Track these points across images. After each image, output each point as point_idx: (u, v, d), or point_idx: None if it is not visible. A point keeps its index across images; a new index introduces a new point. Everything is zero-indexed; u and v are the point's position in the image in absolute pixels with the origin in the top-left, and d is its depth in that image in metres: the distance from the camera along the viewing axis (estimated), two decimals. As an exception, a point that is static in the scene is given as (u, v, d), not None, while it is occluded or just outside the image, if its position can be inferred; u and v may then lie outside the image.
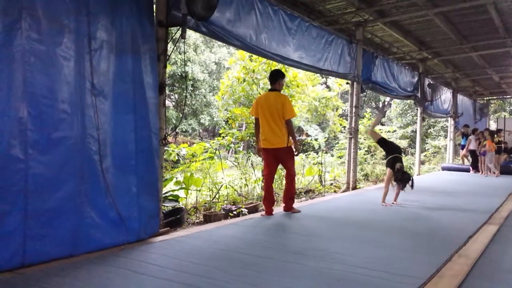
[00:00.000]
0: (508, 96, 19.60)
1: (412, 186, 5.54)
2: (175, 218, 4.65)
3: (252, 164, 8.00)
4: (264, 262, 3.02)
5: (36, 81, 2.94)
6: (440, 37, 9.22)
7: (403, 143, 17.32)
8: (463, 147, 12.88)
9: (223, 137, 7.96)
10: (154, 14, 4.00)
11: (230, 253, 3.28)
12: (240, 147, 8.81)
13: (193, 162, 6.80)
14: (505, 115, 20.80)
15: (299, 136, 16.60)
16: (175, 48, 4.47)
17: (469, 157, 12.42)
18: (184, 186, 5.85)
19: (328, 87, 15.72)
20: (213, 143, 7.61)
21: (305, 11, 7.01)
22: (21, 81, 2.86)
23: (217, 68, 21.62)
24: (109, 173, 3.41)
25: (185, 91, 19.42)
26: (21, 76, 2.86)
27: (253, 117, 5.10)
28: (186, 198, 5.94)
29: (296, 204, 5.23)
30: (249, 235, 3.94)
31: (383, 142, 6.15)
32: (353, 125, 7.96)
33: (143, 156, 3.74)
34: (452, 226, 4.42)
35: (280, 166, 5.27)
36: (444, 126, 18.99)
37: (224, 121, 16.98)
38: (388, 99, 24.44)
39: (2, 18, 2.76)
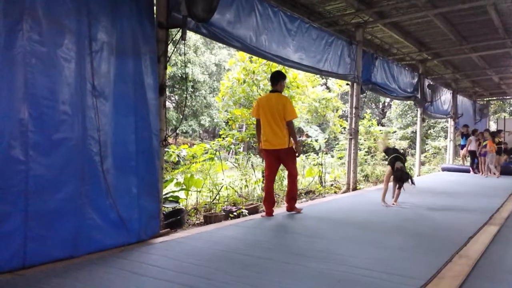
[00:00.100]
0: (508, 97, 19.62)
1: (412, 182, 5.60)
2: (176, 219, 4.65)
3: (252, 165, 8.00)
4: (264, 263, 3.02)
5: (37, 83, 2.94)
6: (440, 38, 9.23)
7: (403, 144, 17.32)
8: (462, 147, 12.89)
9: (223, 138, 7.97)
10: (155, 15, 4.01)
11: (231, 254, 3.28)
12: (240, 148, 8.81)
13: (193, 163, 6.80)
14: (505, 116, 20.81)
15: (300, 137, 16.60)
16: (175, 49, 4.48)
17: (467, 158, 12.43)
18: (184, 187, 5.86)
19: (328, 88, 15.73)
20: (214, 144, 7.62)
21: (305, 13, 7.02)
22: (22, 82, 2.87)
23: (217, 69, 21.65)
24: (109, 174, 3.41)
25: (185, 93, 19.44)
26: (22, 77, 2.87)
27: (254, 118, 5.11)
28: (186, 199, 5.94)
29: (297, 205, 5.24)
30: (249, 236, 3.94)
31: (387, 149, 6.34)
32: (353, 126, 7.97)
33: (144, 157, 3.74)
34: (453, 226, 4.42)
35: (281, 167, 5.28)
36: (444, 127, 19.00)
37: (224, 122, 16.98)
38: (388, 100, 24.47)
39: (3, 19, 2.76)
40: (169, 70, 15.23)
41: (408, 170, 6.14)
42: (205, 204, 5.95)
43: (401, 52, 10.27)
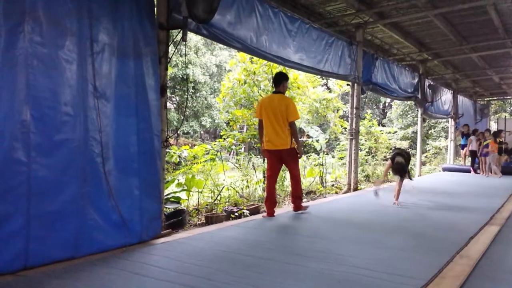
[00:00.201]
0: (508, 97, 19.60)
1: (410, 178, 5.76)
2: (177, 220, 4.66)
3: (253, 166, 8.00)
4: (265, 264, 3.02)
5: (38, 84, 2.95)
6: (440, 38, 9.24)
7: (404, 144, 17.31)
8: (463, 146, 12.89)
9: (224, 139, 7.98)
10: (155, 16, 4.02)
11: (232, 254, 3.28)
12: (241, 148, 8.81)
13: (194, 164, 6.81)
14: (505, 116, 20.79)
15: (300, 137, 16.58)
16: (176, 50, 4.49)
17: (468, 158, 12.42)
18: (185, 188, 5.87)
19: (328, 88, 15.73)
20: (215, 144, 7.63)
21: (305, 13, 7.03)
22: (24, 84, 2.88)
23: (218, 70, 21.67)
24: (111, 176, 3.42)
25: (186, 93, 19.46)
26: (24, 79, 2.88)
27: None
28: (187, 200, 5.95)
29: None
30: (250, 236, 3.95)
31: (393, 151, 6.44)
32: (353, 126, 7.97)
33: (145, 158, 3.75)
34: (454, 226, 4.42)
35: (283, 168, 5.29)
36: (445, 127, 18.99)
37: (225, 123, 16.98)
38: (388, 100, 24.46)
39: (5, 21, 2.77)
40: (170, 71, 15.25)
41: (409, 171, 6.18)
42: (207, 205, 5.96)
43: (401, 53, 10.27)
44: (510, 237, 4.18)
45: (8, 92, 2.80)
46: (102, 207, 3.35)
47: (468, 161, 12.68)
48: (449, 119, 14.47)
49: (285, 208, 5.90)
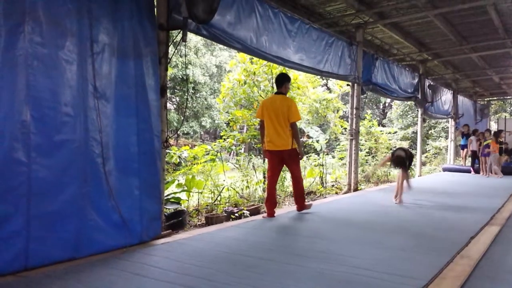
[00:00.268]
0: (508, 97, 19.60)
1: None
2: (177, 221, 4.66)
3: (253, 166, 8.00)
4: (266, 264, 3.02)
5: (38, 84, 2.95)
6: (440, 38, 9.24)
7: (404, 145, 17.30)
8: (463, 147, 12.87)
9: (224, 139, 7.98)
10: (155, 17, 4.02)
11: (232, 255, 3.28)
12: (241, 149, 8.81)
13: (194, 164, 6.81)
14: (505, 116, 20.78)
15: (300, 137, 16.57)
16: (176, 51, 4.49)
17: (468, 158, 12.40)
18: (186, 188, 5.87)
19: (328, 89, 15.73)
20: (215, 145, 7.63)
21: (305, 14, 7.03)
22: (24, 84, 2.88)
23: (218, 71, 21.67)
24: (112, 176, 3.42)
25: (186, 94, 19.46)
26: (24, 79, 2.88)
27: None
28: (188, 200, 5.95)
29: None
30: (251, 237, 3.95)
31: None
32: (353, 126, 7.97)
33: (146, 158, 3.75)
34: (454, 227, 4.42)
35: (283, 168, 5.30)
36: (445, 127, 18.98)
37: (225, 123, 16.98)
38: (388, 100, 24.46)
39: (5, 21, 2.77)
40: (170, 72, 15.26)
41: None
42: (207, 205, 5.96)
43: (401, 53, 10.27)
44: (511, 237, 4.17)
45: (8, 92, 2.80)
46: (102, 207, 3.35)
47: (468, 161, 12.68)
48: (449, 119, 14.47)
49: (285, 209, 5.90)
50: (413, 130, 19.91)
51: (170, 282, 2.63)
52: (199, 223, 5.31)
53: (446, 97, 13.35)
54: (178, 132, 18.58)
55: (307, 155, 11.51)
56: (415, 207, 5.77)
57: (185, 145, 11.61)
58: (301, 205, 5.16)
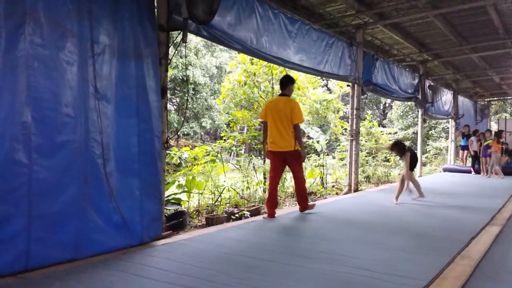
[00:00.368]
0: (509, 97, 19.59)
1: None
2: (178, 221, 4.66)
3: (254, 167, 8.00)
4: (267, 265, 3.02)
5: (39, 86, 2.96)
6: (440, 38, 9.23)
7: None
8: (463, 147, 12.86)
9: (224, 140, 7.98)
10: (156, 18, 4.02)
11: (233, 256, 3.28)
12: (241, 150, 8.81)
13: (195, 165, 6.81)
14: (506, 116, 20.75)
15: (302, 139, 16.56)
16: (176, 52, 4.49)
17: (468, 158, 12.39)
18: (186, 189, 5.87)
19: (329, 89, 15.74)
20: (215, 146, 7.63)
21: (305, 14, 7.04)
22: (25, 85, 2.88)
23: (218, 72, 21.68)
24: (112, 177, 3.42)
25: (186, 95, 19.46)
26: (25, 80, 2.88)
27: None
28: (188, 201, 5.95)
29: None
30: (251, 238, 3.95)
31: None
32: (354, 127, 7.96)
33: (146, 159, 3.75)
34: (454, 227, 4.42)
35: (286, 169, 5.31)
36: (445, 127, 18.97)
37: (225, 124, 17.00)
38: (389, 101, 24.45)
39: (5, 23, 2.78)
40: (170, 73, 15.28)
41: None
42: (207, 206, 5.96)
43: (401, 53, 10.27)
44: (511, 237, 4.17)
45: (9, 93, 2.81)
46: (103, 208, 3.35)
47: (468, 162, 12.66)
48: (450, 120, 14.47)
49: (285, 209, 5.90)
50: (413, 131, 19.90)
51: (170, 283, 2.63)
52: (200, 224, 5.31)
53: (446, 97, 13.35)
54: (179, 133, 18.58)
55: (307, 156, 11.51)
56: (415, 207, 5.76)
57: (185, 146, 11.61)
58: (304, 206, 5.17)
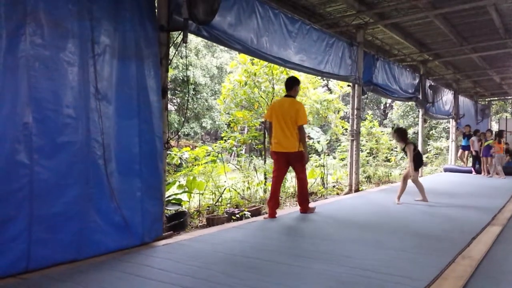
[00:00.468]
0: (509, 97, 19.57)
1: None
2: (178, 222, 4.67)
3: (254, 167, 8.01)
4: (267, 265, 3.02)
5: (40, 86, 2.96)
6: (440, 38, 9.23)
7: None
8: (463, 147, 12.84)
9: (225, 140, 7.98)
10: (156, 18, 4.02)
11: (234, 256, 3.28)
12: (242, 150, 8.81)
13: (195, 165, 6.81)
14: (506, 116, 20.75)
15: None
16: (176, 52, 4.50)
17: (468, 158, 12.37)
18: (187, 189, 5.87)
19: (329, 89, 15.74)
20: (216, 146, 7.64)
21: (306, 14, 7.04)
22: (26, 86, 2.88)
23: (218, 72, 21.67)
24: (113, 177, 3.42)
25: (187, 95, 19.45)
26: (26, 81, 2.88)
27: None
28: (189, 201, 5.95)
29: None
30: (252, 238, 3.95)
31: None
32: (354, 127, 7.96)
33: (147, 159, 3.75)
34: (455, 227, 4.41)
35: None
36: (446, 127, 18.96)
37: (226, 124, 17.00)
38: (389, 101, 24.44)
39: (6, 23, 2.78)
40: (171, 73, 15.30)
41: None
42: (208, 207, 5.96)
43: (402, 53, 10.27)
44: (512, 237, 4.17)
45: (10, 94, 2.80)
46: (104, 209, 3.35)
47: (469, 162, 12.65)
48: (450, 120, 14.46)
49: (286, 210, 5.90)
50: (414, 131, 19.89)
51: (171, 284, 2.63)
52: (200, 224, 5.32)
53: (447, 97, 13.34)
54: (179, 133, 18.58)
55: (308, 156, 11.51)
56: (416, 207, 5.76)
57: (186, 146, 11.61)
58: (304, 208, 5.18)
